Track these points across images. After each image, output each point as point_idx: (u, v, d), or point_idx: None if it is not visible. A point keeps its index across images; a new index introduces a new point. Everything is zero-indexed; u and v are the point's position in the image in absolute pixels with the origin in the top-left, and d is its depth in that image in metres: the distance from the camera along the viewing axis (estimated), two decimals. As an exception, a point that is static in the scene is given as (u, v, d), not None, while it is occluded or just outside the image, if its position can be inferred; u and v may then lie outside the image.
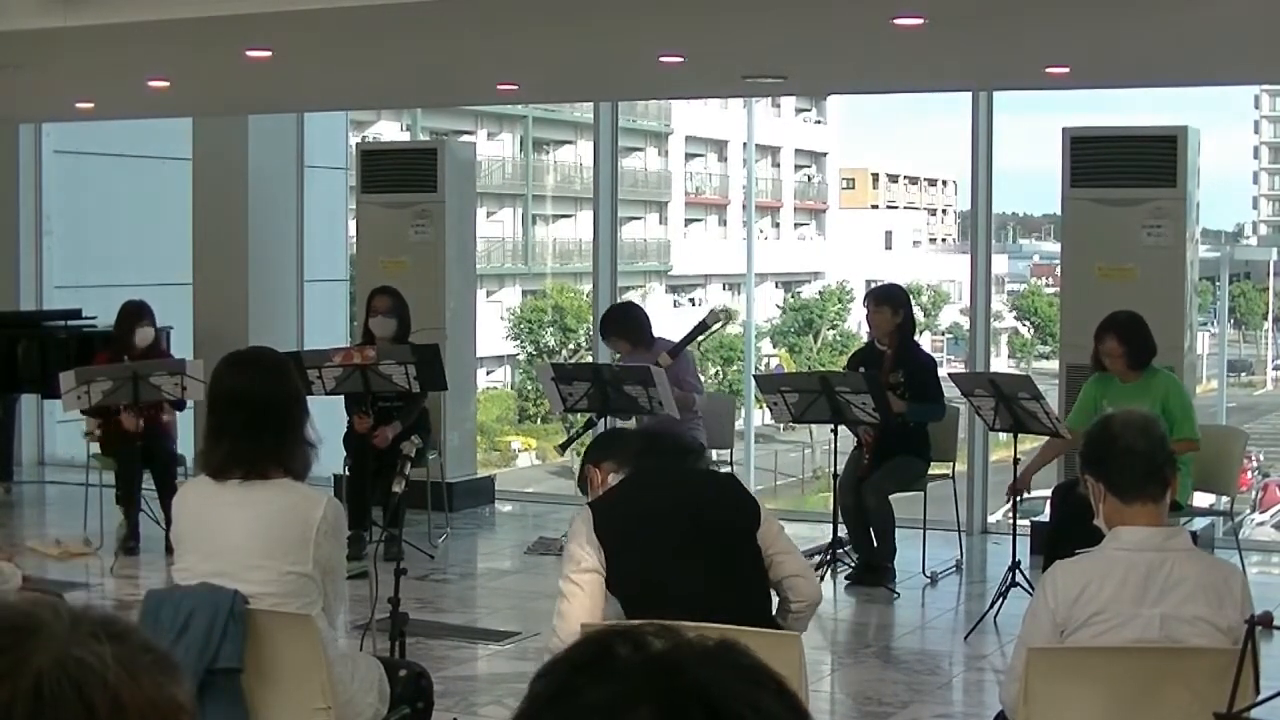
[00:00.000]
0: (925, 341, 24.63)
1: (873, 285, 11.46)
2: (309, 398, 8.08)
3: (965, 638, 7.18)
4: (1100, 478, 3.78)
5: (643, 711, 1.14)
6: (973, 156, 9.81)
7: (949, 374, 8.53)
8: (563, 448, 9.39)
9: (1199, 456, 7.44)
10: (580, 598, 4.15)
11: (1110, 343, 7.37)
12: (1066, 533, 6.54)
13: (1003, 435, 7.82)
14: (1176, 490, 3.90)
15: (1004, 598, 7.37)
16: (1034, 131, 32.60)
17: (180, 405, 9.05)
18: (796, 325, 38.63)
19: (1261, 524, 25.59)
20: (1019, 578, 7.38)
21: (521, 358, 35.22)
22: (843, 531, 8.34)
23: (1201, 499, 8.40)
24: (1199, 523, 8.31)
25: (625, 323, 8.94)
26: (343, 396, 8.82)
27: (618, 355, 9.12)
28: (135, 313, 9.20)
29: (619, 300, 10.64)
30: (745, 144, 38.96)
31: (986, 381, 7.78)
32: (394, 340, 8.91)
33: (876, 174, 53.72)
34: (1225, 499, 8.50)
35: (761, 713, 1.17)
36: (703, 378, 9.15)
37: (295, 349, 9.63)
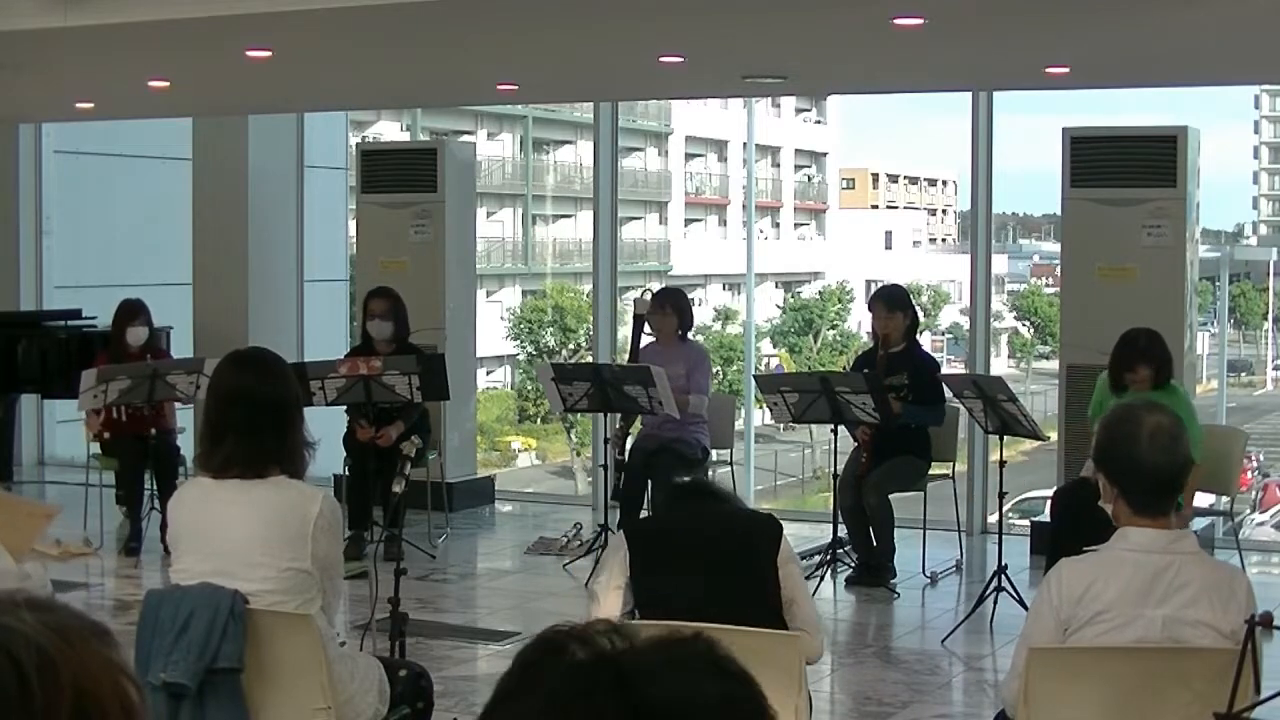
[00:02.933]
0: (925, 341, 24.61)
1: (875, 286, 11.37)
2: (309, 409, 8.09)
3: (943, 641, 7.18)
4: (1114, 483, 3.76)
5: (574, 711, 1.19)
6: (973, 156, 9.81)
7: (943, 375, 8.51)
8: (613, 495, 9.18)
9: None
10: (599, 611, 4.18)
11: (1144, 371, 7.21)
12: (1068, 533, 6.54)
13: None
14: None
15: (992, 601, 7.38)
16: (1034, 131, 32.70)
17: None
18: (796, 325, 38.62)
19: (1261, 524, 25.60)
20: (1004, 582, 7.40)
21: (521, 358, 35.21)
22: (843, 531, 8.34)
23: (1201, 499, 8.39)
24: (1199, 523, 8.31)
25: (682, 299, 9.03)
26: (343, 397, 8.81)
27: (651, 333, 9.03)
28: (128, 312, 9.20)
29: (638, 294, 10.62)
30: (745, 144, 38.98)
31: (971, 383, 7.80)
32: (392, 341, 8.89)
33: (876, 174, 53.74)
34: (1225, 499, 8.50)
35: (691, 701, 1.20)
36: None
37: (298, 358, 9.62)
